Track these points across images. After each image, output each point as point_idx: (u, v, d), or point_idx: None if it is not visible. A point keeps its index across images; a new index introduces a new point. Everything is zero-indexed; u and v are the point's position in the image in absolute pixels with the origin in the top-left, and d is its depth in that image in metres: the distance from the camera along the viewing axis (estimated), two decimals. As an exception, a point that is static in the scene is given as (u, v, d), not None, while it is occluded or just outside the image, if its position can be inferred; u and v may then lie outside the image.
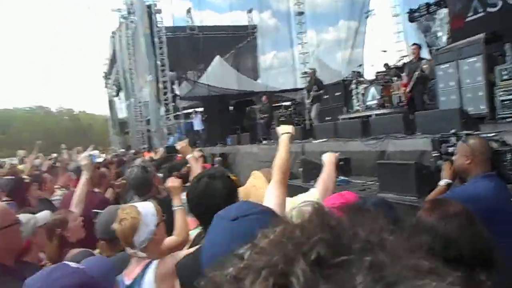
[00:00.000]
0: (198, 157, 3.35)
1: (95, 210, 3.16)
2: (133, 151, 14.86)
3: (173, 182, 2.72)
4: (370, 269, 0.36)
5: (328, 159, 2.40)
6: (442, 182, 2.61)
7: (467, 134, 2.70)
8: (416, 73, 8.49)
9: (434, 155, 2.93)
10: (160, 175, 4.86)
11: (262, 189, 2.10)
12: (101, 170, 4.78)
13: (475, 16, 10.78)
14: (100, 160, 5.20)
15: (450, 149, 2.74)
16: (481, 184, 2.33)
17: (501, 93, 6.86)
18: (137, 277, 1.94)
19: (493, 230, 1.48)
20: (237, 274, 0.40)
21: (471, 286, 1.22)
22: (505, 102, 6.81)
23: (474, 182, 2.38)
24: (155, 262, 1.98)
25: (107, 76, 39.47)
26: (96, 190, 4.21)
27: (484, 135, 2.78)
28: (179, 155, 6.99)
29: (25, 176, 5.48)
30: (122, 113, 34.98)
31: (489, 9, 10.16)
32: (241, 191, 2.07)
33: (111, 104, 39.36)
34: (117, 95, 35.79)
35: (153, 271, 1.95)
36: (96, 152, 3.76)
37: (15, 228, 2.01)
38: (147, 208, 2.10)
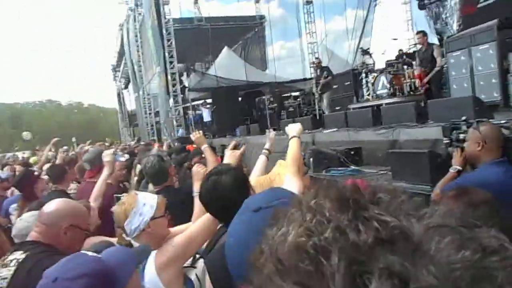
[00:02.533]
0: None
1: (116, 195, 3.22)
2: (143, 142, 14.93)
3: (197, 167, 2.74)
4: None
5: (291, 140, 2.40)
6: (452, 169, 2.63)
7: (478, 121, 2.69)
8: (437, 68, 8.44)
9: (445, 141, 2.92)
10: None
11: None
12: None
13: (486, 2, 10.60)
14: (123, 159, 5.23)
15: (461, 136, 2.71)
16: (491, 170, 2.35)
17: (515, 80, 6.77)
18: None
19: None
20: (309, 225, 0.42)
21: None
22: (519, 89, 6.72)
23: (484, 168, 2.40)
24: (153, 253, 1.95)
25: (115, 68, 39.60)
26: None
27: (496, 122, 2.76)
28: (189, 146, 7.02)
29: (35, 169, 5.54)
30: (131, 106, 35.16)
31: (502, -5, 9.97)
32: (264, 179, 2.09)
33: (120, 96, 39.56)
34: (126, 87, 35.95)
35: (152, 262, 1.94)
36: (120, 152, 3.86)
37: (81, 232, 2.12)
38: (147, 199, 2.07)
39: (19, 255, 1.88)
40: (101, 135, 32.94)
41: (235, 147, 2.96)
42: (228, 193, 1.68)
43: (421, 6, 16.26)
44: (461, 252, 0.36)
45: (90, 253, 1.48)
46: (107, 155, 3.54)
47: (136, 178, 4.78)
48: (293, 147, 2.28)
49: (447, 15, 15.48)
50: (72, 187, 4.58)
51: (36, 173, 4.52)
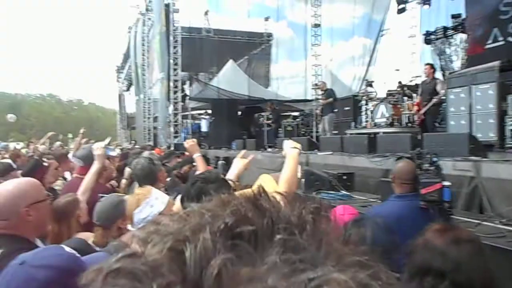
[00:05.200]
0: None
1: (101, 195, 3.15)
2: (138, 146, 14.87)
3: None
4: (283, 247, 0.33)
5: (292, 152, 2.28)
6: None
7: (398, 158, 3.27)
8: (435, 99, 8.56)
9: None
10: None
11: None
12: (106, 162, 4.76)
13: (494, 44, 10.73)
14: (114, 154, 5.14)
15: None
16: (392, 203, 2.77)
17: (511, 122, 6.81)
18: None
19: None
20: (145, 237, 0.36)
21: None
22: (515, 132, 6.75)
23: (388, 201, 2.88)
24: None
25: (119, 70, 39.73)
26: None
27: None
28: (183, 153, 7.00)
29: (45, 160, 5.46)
30: (131, 109, 35.16)
31: (510, 38, 10.10)
32: (245, 193, 2.02)
33: (121, 98, 39.60)
34: (128, 90, 35.98)
35: None
36: (111, 146, 3.68)
37: (46, 205, 1.96)
38: (160, 195, 2.14)
39: None
40: (98, 135, 32.86)
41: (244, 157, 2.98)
42: None
43: (427, 41, 16.51)
44: None
45: (68, 249, 1.44)
46: (97, 149, 3.41)
47: (125, 181, 4.73)
48: (289, 163, 2.15)
49: (452, 52, 15.71)
50: (59, 184, 4.50)
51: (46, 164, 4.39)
